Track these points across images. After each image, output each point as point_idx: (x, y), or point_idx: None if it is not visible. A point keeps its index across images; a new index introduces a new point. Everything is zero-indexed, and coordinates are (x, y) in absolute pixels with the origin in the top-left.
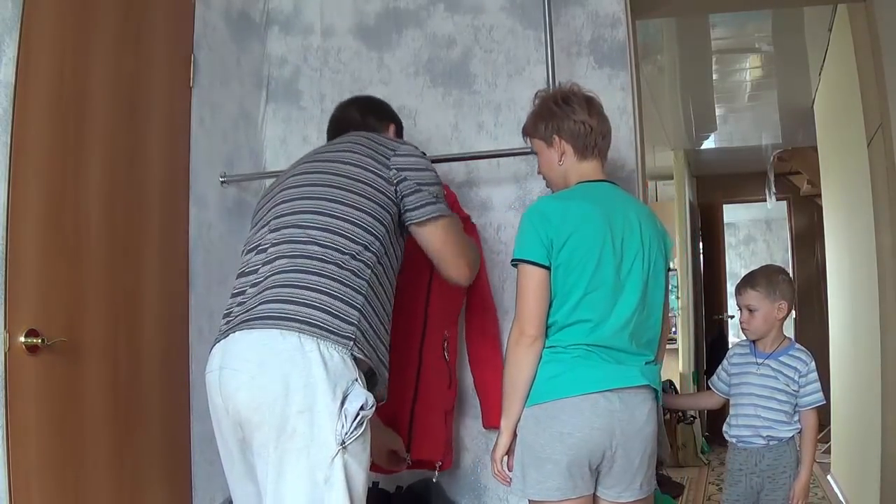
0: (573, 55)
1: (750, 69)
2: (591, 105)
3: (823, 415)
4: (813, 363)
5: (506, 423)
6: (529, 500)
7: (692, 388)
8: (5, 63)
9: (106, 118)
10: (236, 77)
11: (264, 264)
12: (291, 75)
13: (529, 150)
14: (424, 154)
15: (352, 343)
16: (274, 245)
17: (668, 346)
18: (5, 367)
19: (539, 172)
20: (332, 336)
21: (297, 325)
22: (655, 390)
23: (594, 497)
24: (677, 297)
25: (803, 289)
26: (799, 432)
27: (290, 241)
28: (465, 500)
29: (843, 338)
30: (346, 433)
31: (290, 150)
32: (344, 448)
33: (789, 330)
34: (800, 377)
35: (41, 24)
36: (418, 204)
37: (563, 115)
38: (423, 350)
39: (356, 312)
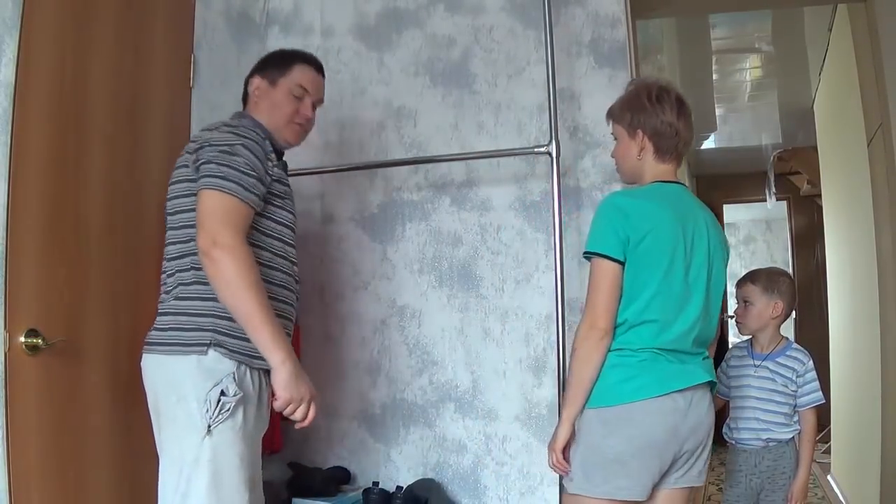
0: (573, 55)
1: (750, 69)
2: (682, 108)
3: (823, 415)
4: (811, 362)
5: (568, 415)
6: (588, 498)
7: None
8: (5, 63)
9: (106, 118)
10: (236, 77)
11: None
12: None
13: (529, 149)
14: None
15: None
16: None
17: None
18: (5, 367)
19: (612, 156)
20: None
21: None
22: (713, 382)
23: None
24: None
25: (803, 289)
26: (799, 433)
27: None
28: (465, 500)
29: (843, 338)
30: (212, 417)
31: (289, 150)
32: (209, 432)
33: (789, 330)
34: (797, 377)
35: (41, 24)
36: None
37: (653, 112)
38: None
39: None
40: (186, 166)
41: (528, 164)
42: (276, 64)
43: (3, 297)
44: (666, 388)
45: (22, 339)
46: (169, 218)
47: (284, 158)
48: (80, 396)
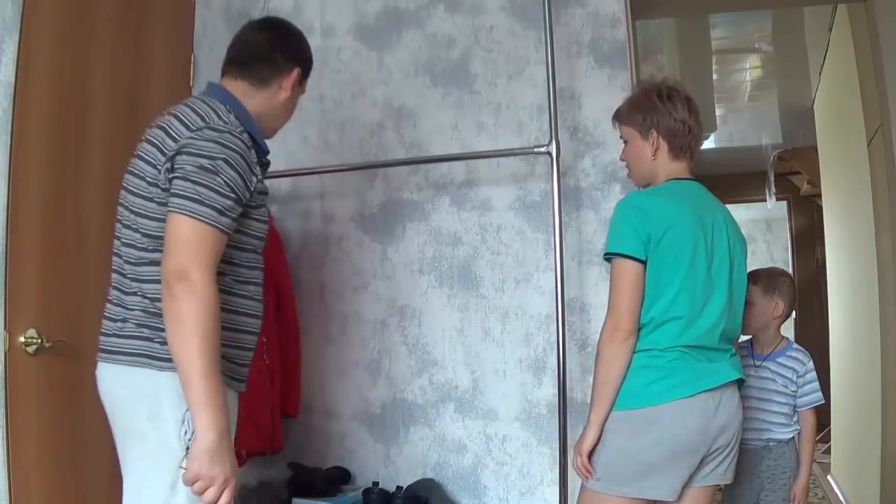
0: (573, 55)
1: (750, 69)
2: (692, 106)
3: (823, 415)
4: (811, 363)
5: (596, 419)
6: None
7: None
8: (5, 63)
9: (106, 118)
10: None
11: None
12: None
13: (529, 149)
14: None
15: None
16: None
17: None
18: (5, 367)
19: (622, 159)
20: None
21: None
22: (741, 379)
23: None
24: None
25: (803, 289)
26: (799, 433)
27: None
28: (465, 500)
29: (843, 338)
30: (190, 440)
31: (289, 150)
32: (187, 455)
33: (789, 330)
34: (798, 377)
35: (41, 24)
36: None
37: (664, 110)
38: None
39: None
40: (155, 167)
41: (528, 164)
42: (308, 64)
43: (3, 297)
44: (695, 389)
45: (22, 339)
46: (129, 214)
47: (269, 156)
48: (80, 396)
